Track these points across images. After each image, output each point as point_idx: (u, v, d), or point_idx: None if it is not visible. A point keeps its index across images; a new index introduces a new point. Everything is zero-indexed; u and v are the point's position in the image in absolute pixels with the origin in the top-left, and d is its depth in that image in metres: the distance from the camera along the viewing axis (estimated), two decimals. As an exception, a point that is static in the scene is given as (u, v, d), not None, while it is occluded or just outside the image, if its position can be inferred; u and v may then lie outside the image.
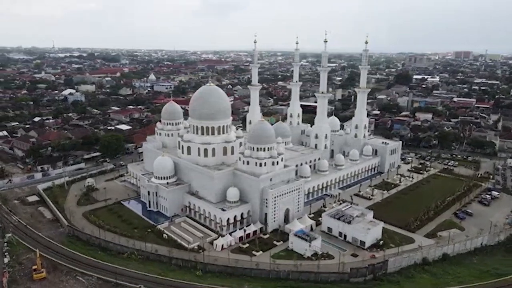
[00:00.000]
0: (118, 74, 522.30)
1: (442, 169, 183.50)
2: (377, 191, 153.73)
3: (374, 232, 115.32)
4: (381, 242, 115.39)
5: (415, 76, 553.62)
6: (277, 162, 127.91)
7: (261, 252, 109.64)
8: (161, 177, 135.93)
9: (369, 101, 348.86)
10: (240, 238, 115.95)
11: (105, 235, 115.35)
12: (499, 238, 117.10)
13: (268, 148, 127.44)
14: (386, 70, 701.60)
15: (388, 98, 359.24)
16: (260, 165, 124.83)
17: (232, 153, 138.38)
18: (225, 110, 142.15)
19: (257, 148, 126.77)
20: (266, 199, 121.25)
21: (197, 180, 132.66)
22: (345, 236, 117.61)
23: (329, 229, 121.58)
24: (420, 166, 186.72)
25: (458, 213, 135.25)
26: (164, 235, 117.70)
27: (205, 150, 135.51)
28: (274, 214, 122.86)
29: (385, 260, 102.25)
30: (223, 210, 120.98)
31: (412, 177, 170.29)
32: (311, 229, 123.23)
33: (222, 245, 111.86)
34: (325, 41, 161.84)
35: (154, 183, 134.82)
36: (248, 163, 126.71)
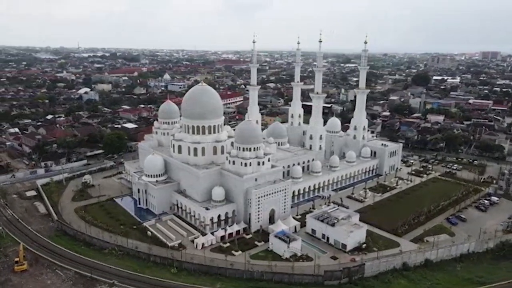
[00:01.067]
0: (135, 74, 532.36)
1: (444, 172, 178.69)
2: (371, 194, 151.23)
3: (356, 235, 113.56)
4: (364, 245, 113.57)
5: (434, 77, 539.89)
6: (263, 163, 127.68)
7: (240, 252, 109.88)
8: (151, 175, 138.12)
9: (380, 102, 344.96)
10: (222, 238, 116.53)
11: (90, 230, 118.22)
12: (488, 245, 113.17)
13: (254, 148, 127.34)
14: (407, 70, 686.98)
15: (402, 99, 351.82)
16: (245, 165, 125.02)
17: (222, 152, 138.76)
18: (216, 110, 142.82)
19: (243, 148, 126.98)
20: (250, 199, 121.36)
21: (185, 178, 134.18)
22: (327, 238, 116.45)
23: (313, 231, 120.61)
24: (421, 169, 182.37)
25: (450, 218, 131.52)
26: (148, 232, 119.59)
27: (195, 149, 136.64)
28: (258, 215, 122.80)
29: (362, 264, 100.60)
30: (207, 209, 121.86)
31: (411, 180, 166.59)
32: (295, 230, 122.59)
33: (203, 244, 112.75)
34: (320, 41, 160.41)
35: (143, 181, 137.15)
36: (234, 163, 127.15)
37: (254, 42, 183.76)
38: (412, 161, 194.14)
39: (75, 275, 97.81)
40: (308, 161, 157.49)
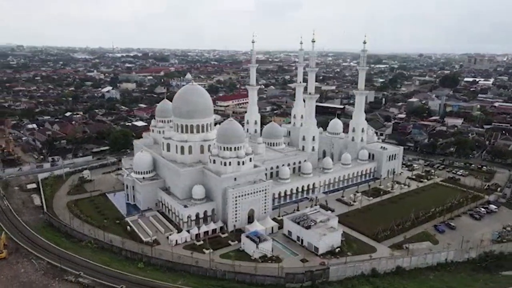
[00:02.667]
0: (161, 73, 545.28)
1: (447, 178, 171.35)
2: (362, 197, 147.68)
3: (330, 238, 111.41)
4: (337, 249, 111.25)
5: (465, 79, 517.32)
6: (243, 162, 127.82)
7: (211, 250, 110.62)
8: (139, 172, 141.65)
9: (399, 104, 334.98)
10: (197, 236, 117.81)
11: (73, 223, 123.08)
12: (469, 255, 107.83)
13: (235, 147, 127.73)
14: (439, 72, 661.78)
15: (423, 101, 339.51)
16: (225, 164, 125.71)
17: (210, 151, 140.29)
18: (205, 109, 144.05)
19: (224, 148, 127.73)
20: (227, 199, 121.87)
21: (170, 176, 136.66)
22: (302, 240, 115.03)
23: (289, 232, 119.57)
24: (423, 173, 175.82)
25: (438, 226, 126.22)
26: (128, 227, 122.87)
27: (182, 147, 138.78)
28: (235, 214, 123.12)
29: (326, 267, 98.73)
30: (185, 206, 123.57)
31: (409, 185, 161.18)
32: (272, 231, 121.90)
33: (176, 241, 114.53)
34: (313, 41, 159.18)
35: (131, 177, 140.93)
36: (214, 162, 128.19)
37: (253, 42, 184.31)
38: (415, 165, 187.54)
39: (47, 265, 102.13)
40: (300, 162, 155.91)
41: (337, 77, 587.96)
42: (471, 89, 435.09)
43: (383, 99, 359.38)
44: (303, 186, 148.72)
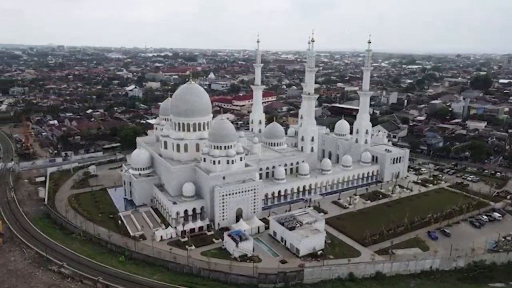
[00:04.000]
0: (187, 73, 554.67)
1: (455, 183, 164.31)
2: (359, 200, 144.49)
3: (312, 240, 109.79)
4: (320, 252, 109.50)
5: (501, 80, 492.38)
6: (233, 161, 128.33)
7: (193, 247, 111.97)
8: (136, 168, 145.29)
9: (421, 106, 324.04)
10: (183, 232, 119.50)
11: (68, 216, 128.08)
12: (457, 264, 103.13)
13: (225, 146, 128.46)
14: (474, 73, 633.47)
15: (448, 103, 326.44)
16: (214, 162, 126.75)
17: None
18: (202, 108, 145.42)
19: (215, 146, 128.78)
20: (214, 197, 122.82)
21: (164, 173, 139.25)
22: (285, 241, 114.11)
23: (274, 233, 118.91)
24: (431, 178, 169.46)
25: (431, 232, 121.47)
26: (119, 221, 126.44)
27: (178, 145, 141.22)
28: (223, 212, 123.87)
29: (301, 269, 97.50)
30: (174, 203, 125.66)
31: (411, 189, 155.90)
32: (258, 231, 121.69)
33: (161, 236, 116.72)
34: (312, 41, 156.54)
35: (128, 173, 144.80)
36: (205, 160, 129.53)
37: (258, 41, 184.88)
38: (424, 169, 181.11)
39: (35, 255, 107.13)
40: (297, 163, 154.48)
41: (360, 77, 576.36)
42: (505, 91, 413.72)
43: (406, 101, 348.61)
44: (298, 187, 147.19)
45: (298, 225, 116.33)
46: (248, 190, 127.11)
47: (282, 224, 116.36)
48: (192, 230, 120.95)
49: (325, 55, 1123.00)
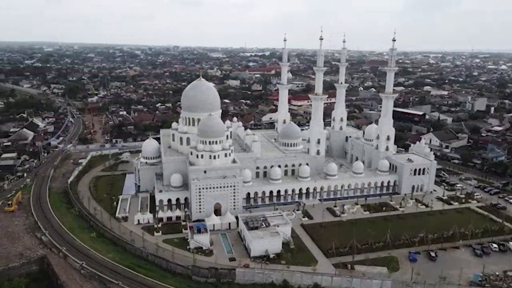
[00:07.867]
0: (272, 72, 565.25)
1: (489, 204, 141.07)
2: (358, 210, 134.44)
3: (266, 243, 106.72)
4: (273, 255, 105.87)
5: None
6: (216, 157, 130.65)
7: (160, 233, 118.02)
8: (145, 157, 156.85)
9: (509, 114, 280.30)
10: (160, 219, 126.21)
11: (79, 193, 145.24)
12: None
13: (210, 141, 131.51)
14: None
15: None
16: (197, 156, 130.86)
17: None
18: (208, 104, 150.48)
19: (202, 141, 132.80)
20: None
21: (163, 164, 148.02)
22: (245, 240, 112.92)
23: (241, 231, 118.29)
24: (462, 196, 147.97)
25: (412, 253, 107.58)
26: (114, 203, 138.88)
27: (180, 138, 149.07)
28: (199, 205, 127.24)
29: (232, 269, 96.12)
30: (159, 191, 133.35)
31: (429, 205, 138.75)
32: (229, 227, 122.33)
33: (138, 220, 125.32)
34: (321, 39, 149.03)
35: (137, 161, 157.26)
36: (191, 153, 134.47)
37: (285, 40, 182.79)
38: (461, 185, 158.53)
39: (33, 222, 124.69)
40: (300, 164, 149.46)
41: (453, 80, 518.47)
42: None
43: (493, 108, 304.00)
44: (293, 190, 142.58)
45: (263, 226, 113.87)
46: (227, 186, 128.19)
47: (247, 223, 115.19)
48: (169, 218, 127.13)
49: (435, 56, 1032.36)
